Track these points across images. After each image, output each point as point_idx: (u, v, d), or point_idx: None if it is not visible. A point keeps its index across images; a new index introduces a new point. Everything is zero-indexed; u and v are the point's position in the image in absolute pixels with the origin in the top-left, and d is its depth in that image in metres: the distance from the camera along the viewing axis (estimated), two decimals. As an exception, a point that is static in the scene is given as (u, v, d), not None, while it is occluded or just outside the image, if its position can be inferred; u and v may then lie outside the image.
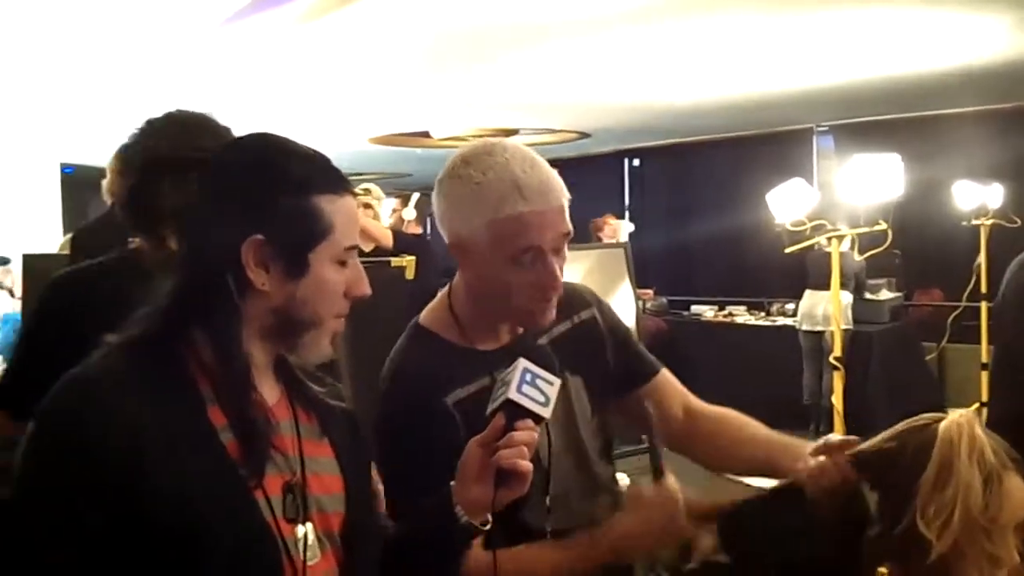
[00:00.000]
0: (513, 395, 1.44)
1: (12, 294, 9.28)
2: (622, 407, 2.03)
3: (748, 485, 3.36)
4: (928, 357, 8.80)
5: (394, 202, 8.18)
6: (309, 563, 1.36)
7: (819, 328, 8.39)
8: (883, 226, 4.55)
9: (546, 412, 1.47)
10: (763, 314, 9.94)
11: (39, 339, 2.02)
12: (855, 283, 8.86)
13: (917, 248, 9.06)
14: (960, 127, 9.42)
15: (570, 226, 1.76)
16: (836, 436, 1.84)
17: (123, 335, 1.34)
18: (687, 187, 12.90)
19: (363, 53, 6.87)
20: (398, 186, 13.36)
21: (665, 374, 2.08)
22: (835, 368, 4.74)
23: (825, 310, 8.09)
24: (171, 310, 1.35)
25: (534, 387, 1.46)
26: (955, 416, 1.49)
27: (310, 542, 1.36)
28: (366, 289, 1.41)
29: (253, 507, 1.30)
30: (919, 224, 7.97)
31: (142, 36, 6.14)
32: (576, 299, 2.00)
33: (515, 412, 1.45)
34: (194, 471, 1.25)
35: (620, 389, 2.01)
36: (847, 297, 8.87)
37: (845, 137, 10.56)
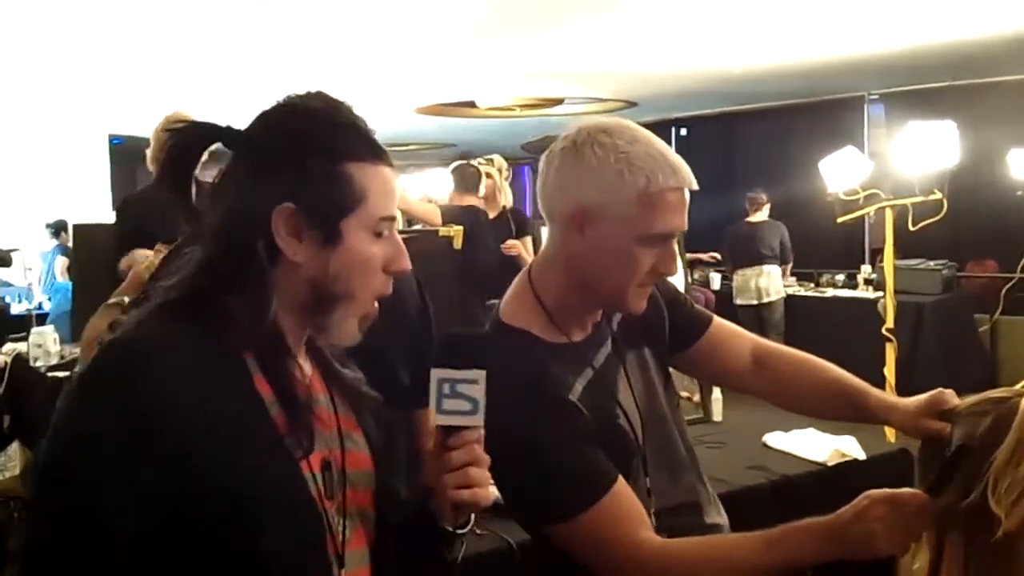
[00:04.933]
0: (438, 419, 1.30)
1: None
2: (685, 361, 2.01)
3: (801, 458, 3.35)
4: (981, 329, 8.65)
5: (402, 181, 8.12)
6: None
7: (753, 301, 9.17)
8: (938, 195, 4.47)
9: (477, 420, 1.30)
10: (812, 285, 9.83)
11: None
12: (781, 252, 9.30)
13: (970, 218, 8.89)
14: (1014, 94, 9.20)
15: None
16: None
17: (159, 301, 1.30)
18: (736, 156, 12.75)
19: (409, 22, 6.84)
20: (443, 157, 13.34)
21: (719, 321, 2.04)
22: (887, 340, 4.67)
23: (757, 283, 9.21)
24: (201, 278, 1.31)
25: (456, 397, 1.30)
26: None
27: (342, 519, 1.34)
28: (406, 264, 1.36)
29: (301, 482, 1.28)
30: (973, 194, 7.82)
31: (189, 7, 6.15)
32: None
33: (447, 431, 1.31)
34: (244, 443, 1.23)
35: (681, 347, 1.98)
36: (777, 269, 8.95)
37: (897, 105, 10.38)
